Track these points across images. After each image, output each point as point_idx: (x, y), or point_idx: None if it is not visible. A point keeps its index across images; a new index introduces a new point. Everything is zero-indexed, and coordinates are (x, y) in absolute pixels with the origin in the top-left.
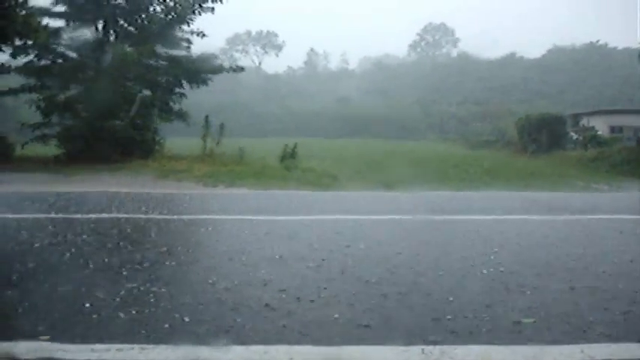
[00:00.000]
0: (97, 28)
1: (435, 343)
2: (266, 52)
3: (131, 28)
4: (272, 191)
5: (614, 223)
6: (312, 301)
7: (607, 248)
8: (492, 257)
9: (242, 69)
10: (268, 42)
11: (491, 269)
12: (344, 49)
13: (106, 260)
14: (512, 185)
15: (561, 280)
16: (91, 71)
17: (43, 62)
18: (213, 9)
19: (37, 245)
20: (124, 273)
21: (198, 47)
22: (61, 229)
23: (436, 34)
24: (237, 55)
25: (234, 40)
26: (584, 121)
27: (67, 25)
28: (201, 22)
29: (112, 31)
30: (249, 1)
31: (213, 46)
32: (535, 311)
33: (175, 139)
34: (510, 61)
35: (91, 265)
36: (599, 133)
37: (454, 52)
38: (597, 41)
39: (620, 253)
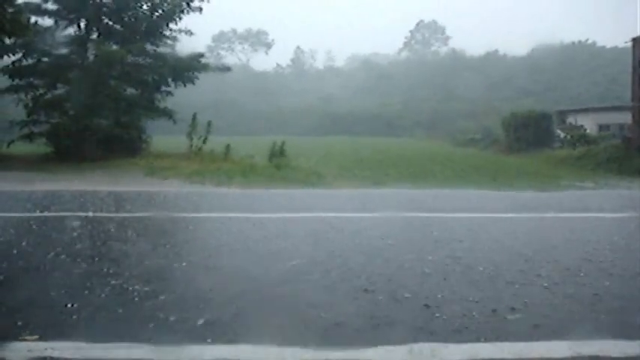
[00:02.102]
0: (79, 26)
1: (422, 341)
2: (255, 50)
3: (117, 26)
4: (260, 190)
5: (594, 222)
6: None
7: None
8: (471, 254)
9: (228, 69)
10: (257, 40)
11: (473, 265)
12: (333, 47)
13: (92, 260)
14: (497, 184)
15: (539, 277)
16: (76, 69)
17: (29, 61)
18: (200, 9)
19: (16, 244)
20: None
21: (184, 45)
22: (46, 228)
23: (426, 32)
24: (223, 52)
25: (220, 38)
26: (571, 119)
27: (54, 22)
28: (187, 19)
29: (97, 29)
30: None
31: (199, 43)
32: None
33: (162, 137)
34: (497, 58)
35: (71, 264)
36: (587, 131)
37: (444, 51)
38: (586, 40)
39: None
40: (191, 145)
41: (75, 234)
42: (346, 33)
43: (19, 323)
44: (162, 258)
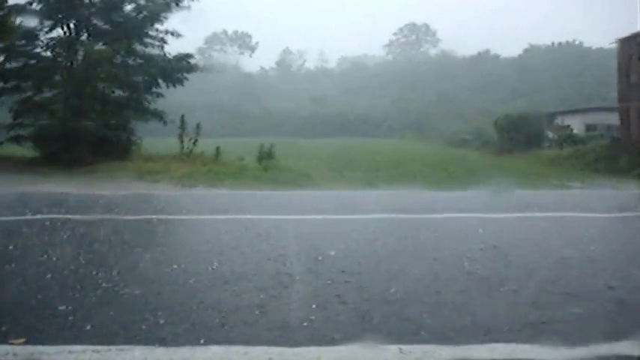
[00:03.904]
0: (69, 27)
1: (412, 342)
2: (242, 53)
3: (106, 27)
4: (249, 191)
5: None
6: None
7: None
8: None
9: (214, 69)
10: (243, 42)
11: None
12: (325, 48)
13: (73, 263)
14: (487, 184)
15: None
16: (63, 71)
17: (15, 64)
18: (189, 7)
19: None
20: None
21: (175, 47)
22: (27, 231)
23: (412, 34)
24: (215, 54)
25: (212, 40)
26: (559, 120)
27: (40, 24)
28: (179, 21)
29: (84, 30)
30: (229, 1)
31: (191, 46)
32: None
33: (152, 140)
34: (486, 59)
35: (52, 267)
36: (574, 131)
37: (433, 52)
38: (573, 40)
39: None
40: (182, 148)
41: (58, 237)
42: (338, 34)
43: (4, 327)
44: (155, 262)
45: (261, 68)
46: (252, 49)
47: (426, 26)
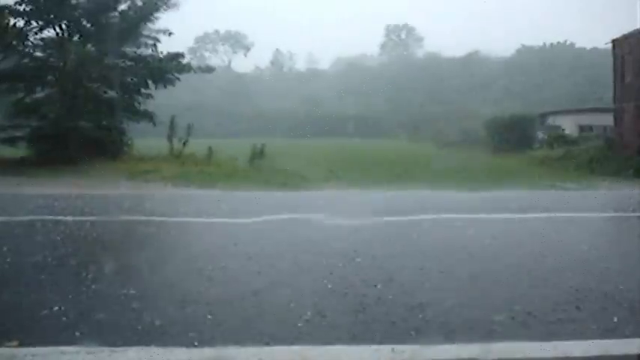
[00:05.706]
0: (60, 28)
1: (405, 342)
2: (235, 52)
3: (95, 28)
4: (241, 192)
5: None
6: None
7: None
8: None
9: (212, 69)
10: (237, 42)
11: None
12: (316, 49)
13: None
14: (480, 185)
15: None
16: (55, 72)
17: (7, 64)
18: (176, 5)
19: None
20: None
21: (166, 47)
22: (18, 231)
23: (402, 34)
24: (206, 54)
25: (203, 40)
26: (549, 121)
27: (31, 24)
28: (170, 21)
29: (75, 31)
30: (220, 0)
31: (182, 45)
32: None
33: (144, 140)
34: (479, 60)
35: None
36: (565, 132)
37: (427, 52)
38: (564, 41)
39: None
40: (171, 148)
41: (51, 238)
42: (331, 36)
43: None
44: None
45: (256, 67)
46: (247, 48)
47: (413, 28)
